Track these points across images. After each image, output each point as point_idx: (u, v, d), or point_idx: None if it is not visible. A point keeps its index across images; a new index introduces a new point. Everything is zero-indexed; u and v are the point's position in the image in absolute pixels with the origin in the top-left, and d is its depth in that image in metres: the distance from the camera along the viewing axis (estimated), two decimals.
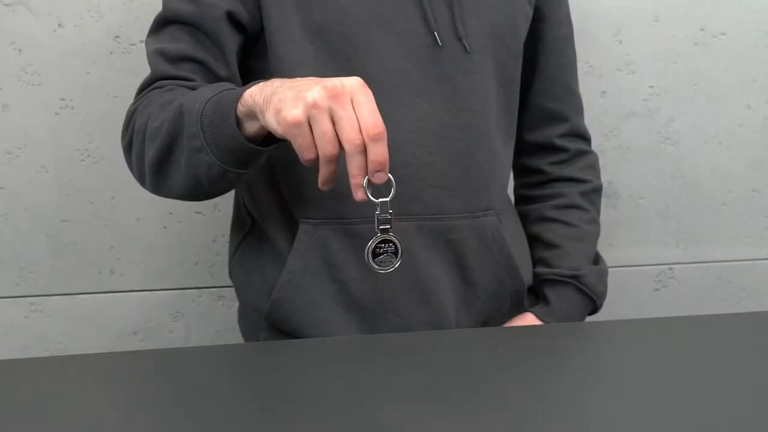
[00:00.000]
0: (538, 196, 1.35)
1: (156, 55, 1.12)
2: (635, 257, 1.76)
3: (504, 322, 1.27)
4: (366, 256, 0.96)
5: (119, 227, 1.57)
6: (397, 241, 0.96)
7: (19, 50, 1.49)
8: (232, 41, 1.12)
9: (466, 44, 1.17)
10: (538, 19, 1.28)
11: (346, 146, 0.86)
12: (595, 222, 1.34)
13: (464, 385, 0.84)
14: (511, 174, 1.39)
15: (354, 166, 0.86)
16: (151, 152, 1.04)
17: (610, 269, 1.68)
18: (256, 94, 0.92)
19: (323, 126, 0.86)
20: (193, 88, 1.06)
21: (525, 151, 1.36)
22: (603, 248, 1.70)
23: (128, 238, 1.58)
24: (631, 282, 1.77)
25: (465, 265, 1.20)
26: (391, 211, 0.91)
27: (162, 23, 1.14)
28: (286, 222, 1.19)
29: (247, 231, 1.25)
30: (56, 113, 1.52)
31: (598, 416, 0.77)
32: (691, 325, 1.11)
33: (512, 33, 1.22)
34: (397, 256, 0.97)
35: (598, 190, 1.36)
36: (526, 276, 1.27)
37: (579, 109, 1.37)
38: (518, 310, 1.27)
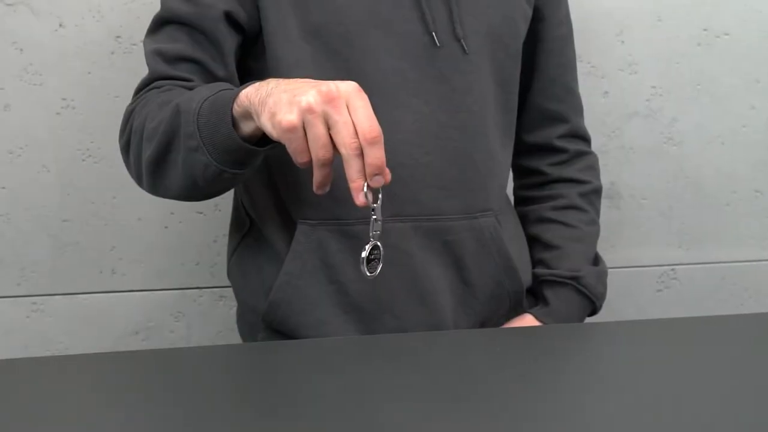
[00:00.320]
0: (538, 197, 1.35)
1: (154, 55, 1.12)
2: (638, 258, 1.76)
3: (503, 323, 1.27)
4: (362, 264, 0.96)
5: (120, 227, 1.58)
6: (381, 246, 0.96)
7: (21, 50, 1.49)
8: (230, 41, 1.12)
9: (464, 45, 1.16)
10: (537, 20, 1.28)
11: (343, 150, 0.86)
12: (595, 223, 1.34)
13: (462, 386, 0.83)
14: (511, 175, 1.39)
15: (352, 170, 0.86)
16: (148, 152, 1.04)
17: (612, 270, 1.67)
18: (251, 94, 0.92)
19: (317, 130, 0.86)
20: (191, 89, 1.06)
21: (524, 151, 1.36)
22: (605, 249, 1.70)
23: (129, 237, 1.58)
24: (634, 283, 1.76)
25: (463, 266, 1.20)
26: (379, 216, 0.92)
27: (160, 23, 1.14)
28: (284, 223, 1.19)
29: (245, 232, 1.25)
30: (57, 113, 1.52)
31: (597, 417, 0.76)
32: (694, 326, 1.10)
33: (511, 33, 1.22)
34: (380, 260, 0.97)
35: (597, 191, 1.36)
36: (525, 277, 1.27)
37: (579, 109, 1.37)
38: (517, 311, 1.27)
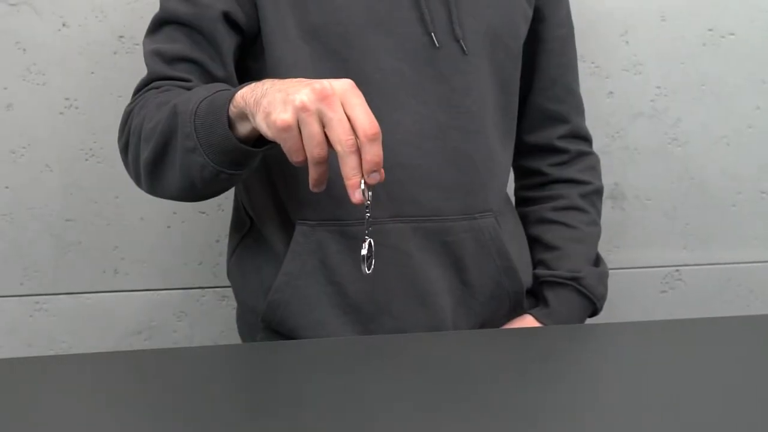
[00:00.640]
0: (538, 197, 1.35)
1: (153, 56, 1.13)
2: (642, 259, 1.75)
3: (503, 324, 1.26)
4: (362, 263, 0.96)
5: (123, 227, 1.58)
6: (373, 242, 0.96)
7: (24, 50, 1.50)
8: (228, 42, 1.12)
9: (464, 45, 1.16)
10: (537, 20, 1.27)
11: (338, 148, 0.85)
12: (596, 224, 1.33)
13: (461, 387, 0.83)
14: (512, 175, 1.39)
15: (348, 167, 0.86)
16: (146, 153, 1.04)
17: (616, 271, 1.67)
18: (247, 95, 0.92)
19: (312, 129, 0.86)
20: (190, 89, 1.06)
21: (525, 152, 1.35)
22: (609, 250, 1.70)
23: (132, 237, 1.59)
24: (638, 284, 1.75)
25: (462, 267, 1.19)
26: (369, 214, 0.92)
27: (159, 24, 1.14)
28: (283, 223, 1.19)
29: (245, 232, 1.25)
30: (60, 113, 1.52)
31: (599, 419, 0.76)
32: (699, 327, 1.10)
33: (511, 34, 1.21)
34: (373, 256, 0.96)
35: (598, 192, 1.35)
36: (525, 278, 1.27)
37: (580, 110, 1.36)
38: (517, 312, 1.26)
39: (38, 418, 0.77)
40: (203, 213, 1.60)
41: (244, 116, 0.93)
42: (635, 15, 1.66)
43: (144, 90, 1.11)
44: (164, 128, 1.01)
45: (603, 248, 1.66)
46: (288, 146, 0.88)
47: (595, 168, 1.36)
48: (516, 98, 1.26)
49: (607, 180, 1.67)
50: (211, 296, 1.63)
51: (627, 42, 1.66)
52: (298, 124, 0.86)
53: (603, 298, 1.29)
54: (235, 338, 1.57)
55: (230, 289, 1.60)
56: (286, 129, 0.87)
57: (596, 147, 1.60)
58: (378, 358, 0.94)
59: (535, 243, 1.33)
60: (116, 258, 1.59)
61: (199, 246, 1.61)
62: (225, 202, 1.57)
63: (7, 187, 1.53)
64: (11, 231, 1.54)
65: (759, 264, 1.79)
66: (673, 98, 1.69)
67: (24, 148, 1.52)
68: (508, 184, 1.37)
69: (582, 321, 1.28)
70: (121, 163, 1.15)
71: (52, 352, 1.59)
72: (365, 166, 0.86)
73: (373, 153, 0.85)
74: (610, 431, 0.73)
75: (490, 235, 1.20)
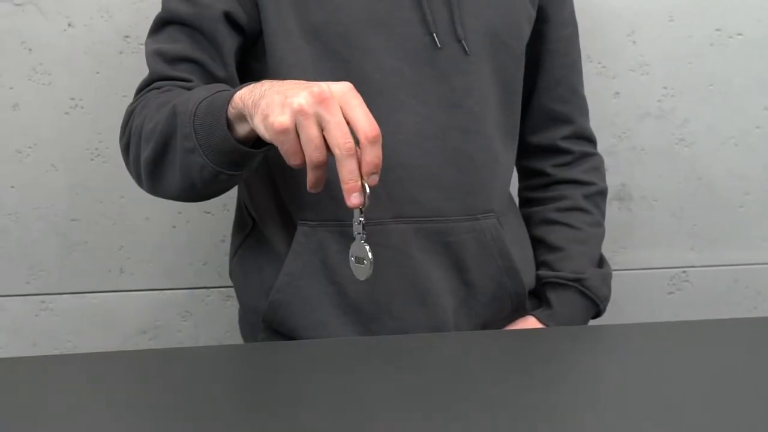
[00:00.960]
0: (542, 198, 1.34)
1: (154, 56, 1.13)
2: (649, 260, 1.74)
3: (505, 325, 1.26)
4: (368, 266, 0.95)
5: (128, 227, 1.58)
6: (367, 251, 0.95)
7: (30, 50, 1.50)
8: (230, 42, 1.12)
9: (465, 46, 1.16)
10: (541, 20, 1.27)
11: (336, 151, 0.85)
12: (600, 225, 1.33)
13: (462, 388, 0.83)
14: (517, 176, 1.39)
15: (345, 171, 0.85)
16: (146, 153, 1.04)
17: (623, 272, 1.66)
18: (245, 96, 0.92)
19: (310, 132, 0.85)
20: (190, 89, 1.06)
21: (529, 152, 1.35)
22: (616, 250, 1.70)
23: (137, 237, 1.59)
24: (645, 285, 1.75)
25: (464, 268, 1.19)
26: (362, 219, 0.92)
27: (161, 24, 1.14)
28: (284, 224, 1.19)
29: (248, 232, 1.25)
30: (66, 112, 1.53)
31: (602, 422, 0.75)
32: (706, 329, 1.09)
33: (513, 34, 1.21)
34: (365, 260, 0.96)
35: (602, 193, 1.35)
36: (527, 279, 1.26)
37: (584, 110, 1.36)
38: (519, 312, 1.26)
39: (42, 417, 0.77)
40: (208, 213, 1.60)
41: (242, 117, 0.93)
42: (642, 15, 1.65)
43: (145, 90, 1.12)
44: (164, 129, 1.01)
45: (609, 249, 1.67)
46: (285, 149, 0.88)
47: (599, 169, 1.35)
48: (519, 99, 1.26)
49: (614, 180, 1.67)
50: (216, 296, 1.63)
51: (634, 42, 1.66)
52: (296, 127, 0.86)
53: (606, 299, 1.28)
54: (240, 338, 1.57)
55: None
56: (283, 132, 0.86)
57: (603, 147, 1.59)
58: (379, 359, 0.94)
59: (538, 244, 1.32)
60: (121, 258, 1.59)
61: (204, 246, 1.61)
62: (230, 202, 1.57)
63: (12, 187, 1.53)
64: (17, 230, 1.55)
65: (767, 265, 1.78)
66: (680, 98, 1.68)
67: (30, 147, 1.53)
68: (513, 185, 1.37)
69: (585, 322, 1.28)
70: None
71: (57, 352, 1.59)
72: (365, 168, 0.85)
73: (374, 155, 0.85)
74: None
75: (492, 235, 1.20)
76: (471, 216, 1.18)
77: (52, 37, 1.50)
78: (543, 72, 1.30)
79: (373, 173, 0.86)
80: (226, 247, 1.59)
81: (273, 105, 0.87)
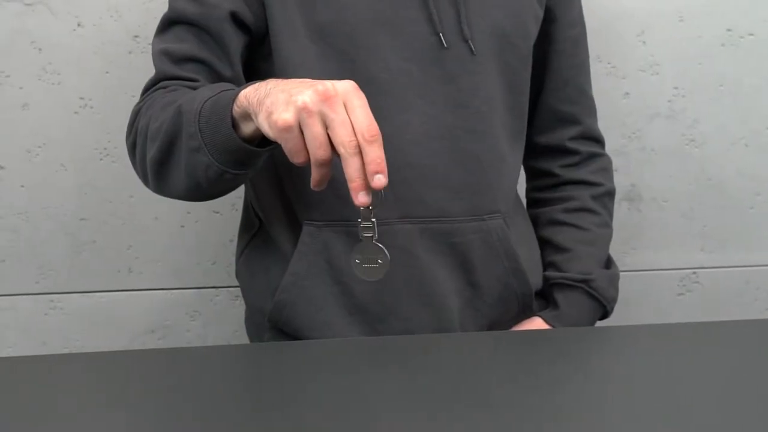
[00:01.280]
0: (549, 199, 1.34)
1: (161, 56, 1.13)
2: (659, 261, 1.73)
3: (511, 326, 1.25)
4: (384, 265, 0.95)
5: (137, 226, 1.59)
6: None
7: (39, 49, 1.51)
8: (236, 41, 1.12)
9: (472, 46, 1.15)
10: (549, 21, 1.26)
11: (340, 149, 0.85)
12: (607, 226, 1.32)
13: (467, 389, 0.82)
14: (525, 177, 1.38)
15: (351, 169, 0.85)
16: (152, 152, 1.04)
17: (632, 273, 1.65)
18: (250, 95, 0.92)
19: (314, 130, 0.85)
20: (196, 89, 1.06)
21: (536, 153, 1.35)
22: (626, 251, 1.69)
23: (146, 237, 1.59)
24: (655, 286, 1.74)
25: (470, 268, 1.19)
26: (374, 219, 0.91)
27: (168, 24, 1.15)
28: (290, 224, 1.19)
29: (254, 232, 1.25)
30: (75, 112, 1.53)
31: (609, 423, 0.75)
32: (716, 330, 1.08)
33: (520, 34, 1.20)
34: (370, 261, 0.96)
35: (610, 194, 1.34)
36: (534, 279, 1.26)
37: (592, 111, 1.35)
38: (526, 313, 1.26)
39: (49, 416, 0.77)
40: (217, 213, 1.60)
41: (247, 116, 0.93)
42: (652, 15, 1.64)
43: (152, 90, 1.12)
44: (169, 128, 1.01)
45: (619, 250, 1.66)
46: (289, 147, 0.88)
47: (606, 169, 1.35)
48: (526, 99, 1.25)
49: (624, 181, 1.67)
50: (224, 296, 1.64)
51: (644, 42, 1.65)
52: (300, 125, 0.86)
53: (613, 300, 1.28)
54: (247, 338, 1.57)
55: None
56: (287, 129, 0.86)
57: (613, 148, 1.59)
58: (384, 359, 0.93)
59: (545, 244, 1.32)
60: (130, 257, 1.59)
61: (212, 245, 1.61)
62: (238, 201, 1.57)
63: (22, 186, 1.54)
64: (26, 230, 1.55)
65: None
66: (690, 99, 1.68)
67: (39, 147, 1.53)
68: (521, 186, 1.37)
69: (592, 323, 1.27)
70: None
71: (66, 350, 1.60)
72: (367, 168, 0.85)
73: (375, 155, 0.85)
74: None
75: (498, 236, 1.19)
76: (477, 216, 1.18)
77: (62, 36, 1.51)
78: (550, 72, 1.30)
79: (377, 173, 0.85)
80: (235, 247, 1.60)
81: (277, 103, 0.87)
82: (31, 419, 0.76)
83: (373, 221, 0.91)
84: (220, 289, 1.63)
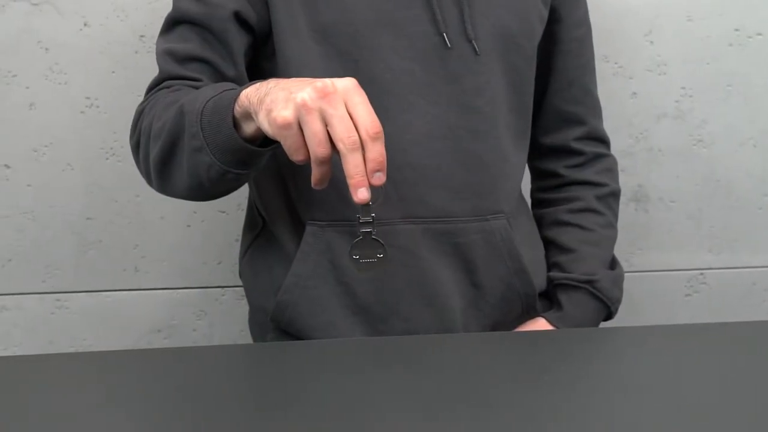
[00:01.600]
0: (554, 199, 1.33)
1: (164, 55, 1.13)
2: (666, 262, 1.73)
3: (514, 327, 1.25)
4: (383, 260, 0.95)
5: (143, 226, 1.59)
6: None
7: (46, 49, 1.51)
8: (239, 41, 1.12)
9: (476, 46, 1.15)
10: (554, 21, 1.26)
11: (340, 146, 0.85)
12: (612, 226, 1.32)
13: (470, 390, 0.82)
14: (530, 177, 1.38)
15: (350, 165, 0.85)
16: (154, 152, 1.05)
17: (640, 274, 1.64)
18: (251, 94, 0.92)
19: (313, 127, 0.85)
20: (199, 89, 1.06)
21: (541, 153, 1.34)
22: (633, 252, 1.69)
23: (152, 236, 1.60)
24: (662, 287, 1.73)
25: (473, 269, 1.19)
26: (373, 215, 0.91)
27: (172, 24, 1.15)
28: (294, 223, 1.19)
29: (258, 232, 1.25)
30: (82, 112, 1.54)
31: (612, 425, 0.74)
32: (723, 332, 1.07)
33: (525, 34, 1.20)
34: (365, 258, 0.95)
35: (615, 194, 1.34)
36: (538, 280, 1.25)
37: (597, 111, 1.35)
38: (530, 314, 1.25)
39: (53, 415, 0.78)
40: (223, 212, 1.60)
41: (248, 115, 0.93)
42: (660, 15, 1.64)
43: (155, 89, 1.12)
44: (171, 128, 1.01)
45: (626, 251, 1.66)
46: (288, 144, 0.88)
47: (612, 170, 1.34)
48: (530, 99, 1.25)
49: (631, 182, 1.66)
50: (230, 295, 1.64)
51: (651, 42, 1.64)
52: (299, 123, 0.86)
53: (618, 301, 1.27)
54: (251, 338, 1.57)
55: None
56: (286, 126, 0.86)
57: (620, 148, 1.59)
58: (387, 360, 0.93)
59: (550, 245, 1.31)
60: (136, 256, 1.60)
61: (218, 245, 1.62)
62: (244, 201, 1.57)
63: (29, 186, 1.54)
64: (33, 229, 1.56)
65: None
66: (698, 99, 1.67)
67: (46, 146, 1.54)
68: (526, 186, 1.36)
69: (596, 324, 1.27)
70: None
71: (72, 349, 1.60)
72: (368, 166, 0.85)
73: (376, 152, 0.85)
74: None
75: (502, 236, 1.19)
76: (480, 217, 1.18)
77: (69, 36, 1.51)
78: (556, 73, 1.30)
79: (377, 171, 0.85)
80: None
81: (277, 100, 0.88)
82: (37, 418, 0.77)
83: (373, 216, 0.91)
84: (226, 288, 1.64)
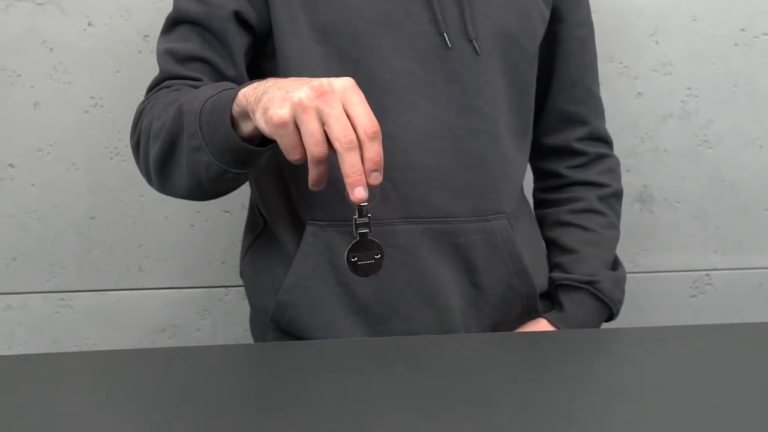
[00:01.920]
0: (556, 199, 1.33)
1: (165, 55, 1.13)
2: (671, 263, 1.72)
3: (515, 327, 1.25)
4: (380, 261, 0.95)
5: (147, 225, 1.59)
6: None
7: (51, 49, 1.51)
8: (239, 41, 1.12)
9: (476, 46, 1.15)
10: (555, 21, 1.26)
11: (337, 145, 0.85)
12: (614, 227, 1.31)
13: (470, 390, 0.82)
14: (533, 177, 1.38)
15: (347, 165, 0.85)
16: (154, 152, 1.05)
17: (645, 275, 1.64)
18: (249, 93, 0.92)
19: (310, 126, 0.85)
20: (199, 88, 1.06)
21: (543, 154, 1.34)
22: (638, 253, 1.68)
23: (156, 236, 1.60)
24: (667, 288, 1.72)
25: (473, 269, 1.18)
26: (370, 215, 0.90)
27: (172, 23, 1.15)
28: (294, 223, 1.19)
29: (259, 232, 1.25)
30: (86, 111, 1.54)
31: (613, 426, 0.74)
32: (729, 333, 1.06)
33: (526, 34, 1.20)
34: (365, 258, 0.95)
35: (617, 195, 1.33)
36: (539, 281, 1.25)
37: (599, 111, 1.34)
38: (531, 315, 1.25)
39: (55, 414, 0.78)
40: (227, 212, 1.60)
41: (246, 115, 0.93)
42: (665, 15, 1.63)
43: (156, 89, 1.12)
44: (171, 127, 1.01)
45: (631, 251, 1.66)
46: (284, 143, 0.88)
47: (614, 170, 1.34)
48: (531, 99, 1.24)
49: (636, 182, 1.66)
50: (234, 295, 1.64)
51: (657, 42, 1.64)
52: (296, 121, 0.86)
53: (619, 302, 1.27)
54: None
55: None
56: (282, 125, 0.86)
57: (625, 148, 1.58)
58: (387, 360, 0.93)
59: (552, 246, 1.31)
60: (140, 256, 1.60)
61: (222, 245, 1.62)
62: (248, 201, 1.57)
63: (33, 185, 1.55)
64: (37, 228, 1.56)
65: None
66: (703, 99, 1.66)
67: (50, 146, 1.54)
68: (529, 186, 1.36)
69: (597, 325, 1.26)
70: None
71: (76, 349, 1.61)
72: (366, 165, 0.85)
73: (374, 151, 0.85)
74: None
75: (502, 237, 1.19)
76: (481, 217, 1.17)
77: (73, 36, 1.51)
78: (558, 73, 1.29)
79: (375, 170, 0.85)
80: None
81: (274, 99, 0.88)
82: (41, 417, 0.77)
83: (369, 216, 0.90)
84: (229, 288, 1.64)
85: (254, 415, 0.77)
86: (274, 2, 1.11)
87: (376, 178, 0.86)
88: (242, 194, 1.31)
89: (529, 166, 1.34)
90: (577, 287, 1.24)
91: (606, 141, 1.35)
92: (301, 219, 1.17)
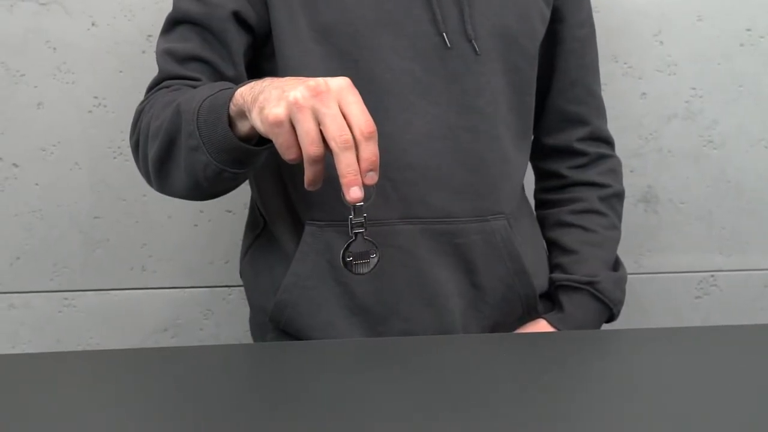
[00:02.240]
0: (557, 200, 1.33)
1: (164, 55, 1.13)
2: (676, 264, 1.71)
3: (515, 328, 1.25)
4: (375, 260, 0.95)
5: (151, 225, 1.59)
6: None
7: (54, 49, 1.52)
8: (238, 41, 1.12)
9: (476, 46, 1.15)
10: (556, 21, 1.25)
11: (332, 144, 0.85)
12: (615, 227, 1.31)
13: (469, 391, 0.82)
14: (533, 178, 1.37)
15: (342, 164, 0.85)
16: (152, 151, 1.05)
17: (649, 276, 1.63)
18: (245, 92, 0.92)
19: (306, 126, 0.85)
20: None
21: (544, 154, 1.34)
22: (642, 254, 1.68)
23: (159, 235, 1.60)
24: (671, 289, 1.72)
25: (473, 269, 1.18)
26: (365, 215, 0.90)
27: (172, 23, 1.15)
28: (293, 223, 1.19)
29: (258, 232, 1.25)
30: (89, 111, 1.54)
31: (613, 427, 0.74)
32: (734, 334, 1.06)
33: (526, 34, 1.19)
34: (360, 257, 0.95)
35: (619, 195, 1.33)
36: (539, 281, 1.25)
37: (600, 111, 1.34)
38: (531, 315, 1.25)
39: (56, 413, 0.78)
40: (230, 212, 1.60)
41: (243, 114, 0.93)
42: (670, 15, 1.63)
43: (155, 89, 1.12)
44: (169, 127, 1.01)
45: (635, 252, 1.65)
46: (280, 142, 0.88)
47: (615, 171, 1.33)
48: (532, 99, 1.24)
49: (640, 183, 1.65)
50: (237, 295, 1.64)
51: (661, 42, 1.63)
52: (291, 121, 0.86)
53: (620, 303, 1.26)
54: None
55: None
56: (277, 124, 0.86)
57: (629, 149, 1.58)
58: (386, 361, 0.93)
59: (552, 246, 1.31)
60: (144, 255, 1.60)
61: (225, 244, 1.62)
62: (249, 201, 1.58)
63: (36, 184, 1.55)
64: (41, 227, 1.57)
65: None
66: (708, 99, 1.66)
67: (54, 146, 1.54)
68: (530, 187, 1.36)
69: (598, 326, 1.26)
70: None
71: (80, 348, 1.61)
72: (362, 165, 0.85)
73: (370, 151, 0.85)
74: None
75: (502, 237, 1.18)
76: (480, 217, 1.17)
77: (76, 36, 1.52)
78: (558, 73, 1.29)
79: (370, 170, 0.85)
80: None
81: (270, 98, 0.88)
82: (44, 416, 0.77)
83: (365, 216, 0.90)
84: (232, 288, 1.64)
85: (254, 415, 0.77)
86: (274, 2, 1.11)
87: (372, 178, 0.86)
88: (245, 194, 1.31)
89: (530, 167, 1.33)
90: (577, 288, 1.24)
91: (607, 141, 1.34)
92: (300, 219, 1.17)
